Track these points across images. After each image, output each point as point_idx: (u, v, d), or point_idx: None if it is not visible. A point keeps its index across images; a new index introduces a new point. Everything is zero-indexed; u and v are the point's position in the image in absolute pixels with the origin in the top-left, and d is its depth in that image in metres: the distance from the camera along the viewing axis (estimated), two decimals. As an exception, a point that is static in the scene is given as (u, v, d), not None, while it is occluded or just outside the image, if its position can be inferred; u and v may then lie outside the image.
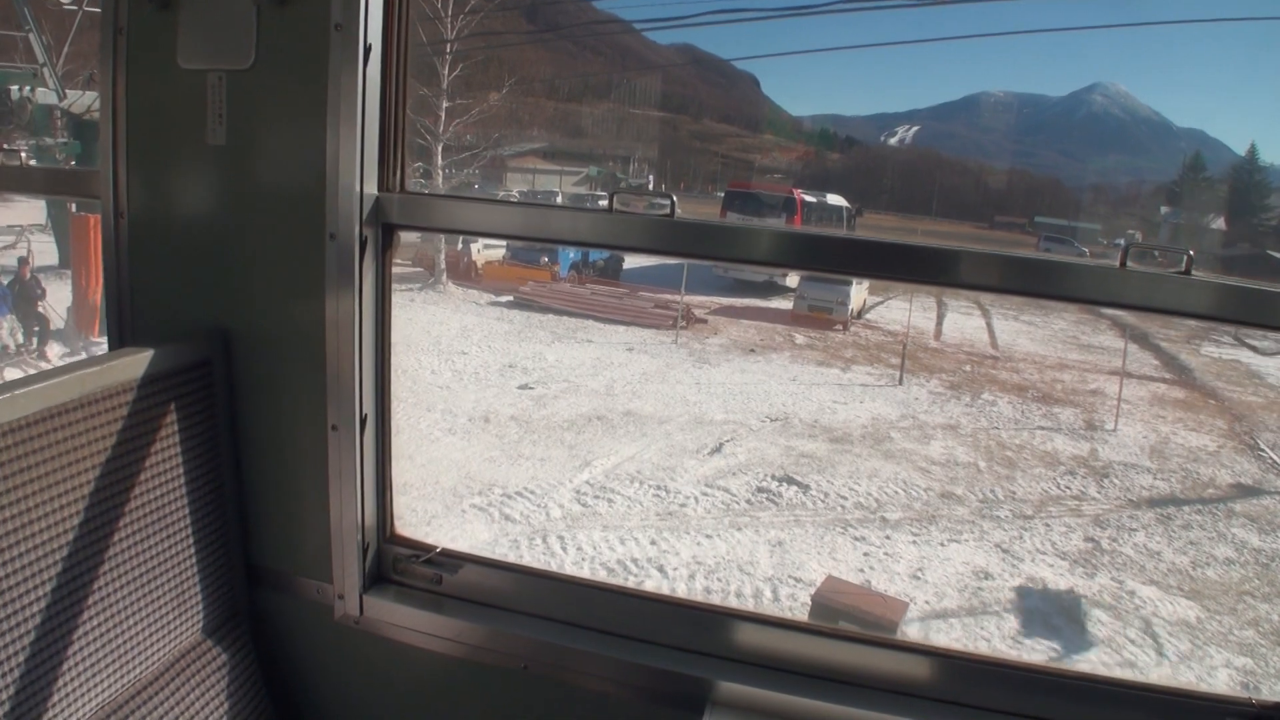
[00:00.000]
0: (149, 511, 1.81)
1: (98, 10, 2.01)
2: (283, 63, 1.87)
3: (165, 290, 2.04)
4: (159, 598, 1.85)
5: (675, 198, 1.81)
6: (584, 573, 8.58)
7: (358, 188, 1.87)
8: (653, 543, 9.29)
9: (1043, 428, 14.35)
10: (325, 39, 1.82)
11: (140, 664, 1.81)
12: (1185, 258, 1.58)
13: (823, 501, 10.72)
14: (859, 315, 21.83)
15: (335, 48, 1.82)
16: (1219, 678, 7.77)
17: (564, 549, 9.05)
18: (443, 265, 21.64)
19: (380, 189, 1.92)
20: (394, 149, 1.93)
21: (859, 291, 21.60)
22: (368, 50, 1.83)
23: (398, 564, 2.10)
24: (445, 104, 21.93)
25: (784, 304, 21.97)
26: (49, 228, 18.82)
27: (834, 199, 29.54)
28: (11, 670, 1.51)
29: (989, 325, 22.47)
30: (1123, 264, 1.60)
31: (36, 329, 14.77)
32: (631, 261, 23.12)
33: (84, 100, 16.19)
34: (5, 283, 14.95)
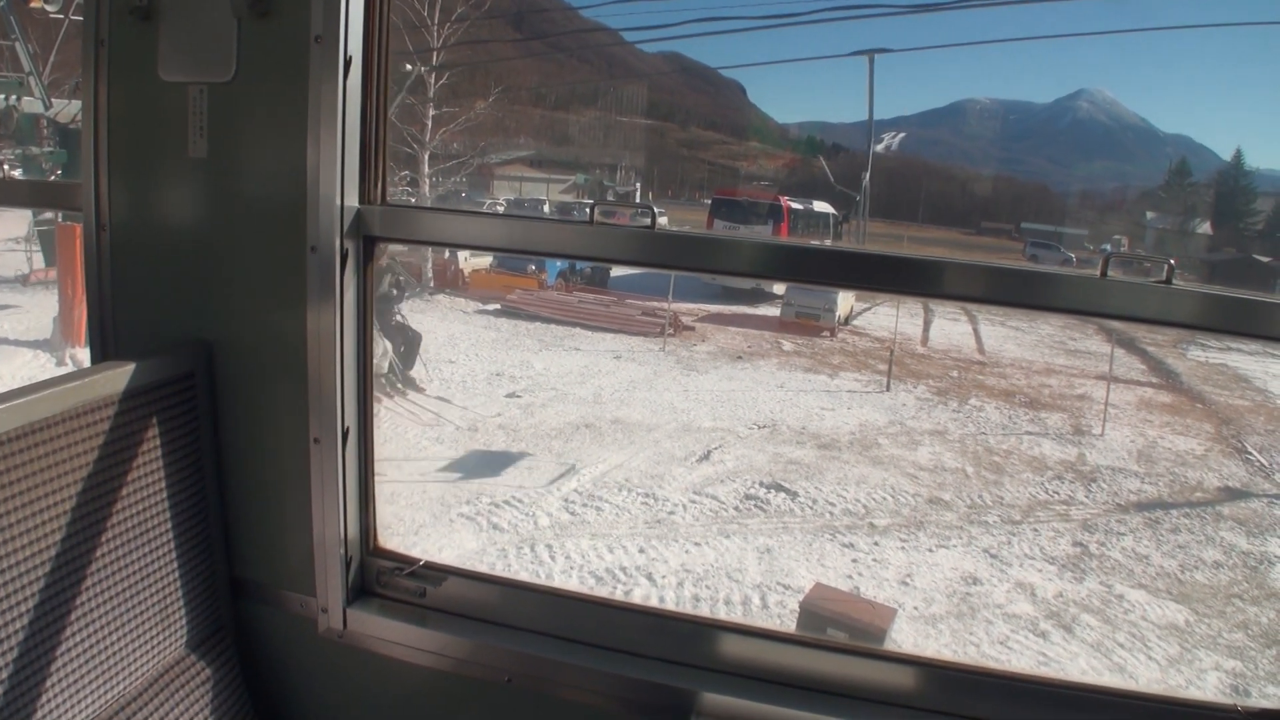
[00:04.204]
0: (132, 525, 1.80)
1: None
2: (263, 75, 1.87)
3: (147, 303, 2.03)
4: (142, 612, 1.84)
5: (659, 207, 1.81)
6: (572, 581, 8.57)
7: (338, 200, 1.86)
8: (641, 551, 9.27)
9: (1030, 433, 14.38)
10: (305, 51, 1.82)
11: (124, 679, 1.80)
12: (1166, 266, 1.59)
13: (811, 508, 10.72)
14: (846, 322, 21.82)
15: (315, 60, 1.81)
16: (1208, 680, 7.80)
17: (552, 557, 9.02)
18: (430, 273, 21.56)
19: (361, 201, 1.92)
20: (375, 161, 1.93)
21: (846, 298, 21.60)
22: (348, 62, 1.83)
23: (381, 577, 2.10)
24: (432, 112, 21.90)
25: (771, 311, 21.92)
26: (34, 237, 18.71)
27: (821, 206, 29.53)
28: None
29: (976, 331, 22.49)
30: (1103, 273, 1.60)
31: (402, 348, 14.12)
32: (619, 269, 23.06)
33: (70, 109, 16.08)
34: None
